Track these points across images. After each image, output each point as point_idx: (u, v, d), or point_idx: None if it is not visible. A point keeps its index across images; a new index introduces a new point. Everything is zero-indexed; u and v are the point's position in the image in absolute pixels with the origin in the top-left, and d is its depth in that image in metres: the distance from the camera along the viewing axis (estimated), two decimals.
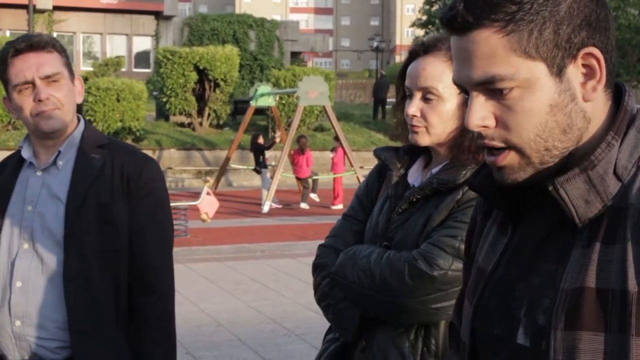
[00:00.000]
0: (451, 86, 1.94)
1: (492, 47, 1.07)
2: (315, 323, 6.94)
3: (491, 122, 1.10)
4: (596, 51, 1.08)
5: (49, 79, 2.18)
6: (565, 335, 1.05)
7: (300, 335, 6.61)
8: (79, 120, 2.32)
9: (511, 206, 1.20)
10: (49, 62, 2.18)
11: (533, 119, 1.08)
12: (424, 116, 1.96)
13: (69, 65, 2.26)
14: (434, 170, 2.01)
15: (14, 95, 2.20)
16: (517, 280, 1.15)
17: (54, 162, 2.25)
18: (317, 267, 2.13)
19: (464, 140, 1.95)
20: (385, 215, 2.04)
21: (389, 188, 2.08)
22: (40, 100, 2.16)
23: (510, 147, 1.10)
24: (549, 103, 1.08)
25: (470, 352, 1.24)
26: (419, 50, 2.00)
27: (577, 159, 1.10)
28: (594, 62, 1.09)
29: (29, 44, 2.18)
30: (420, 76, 1.96)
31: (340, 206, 16.78)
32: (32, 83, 2.17)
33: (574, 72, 1.09)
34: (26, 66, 2.16)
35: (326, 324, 2.15)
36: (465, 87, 1.13)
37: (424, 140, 1.97)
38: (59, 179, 2.23)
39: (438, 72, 1.95)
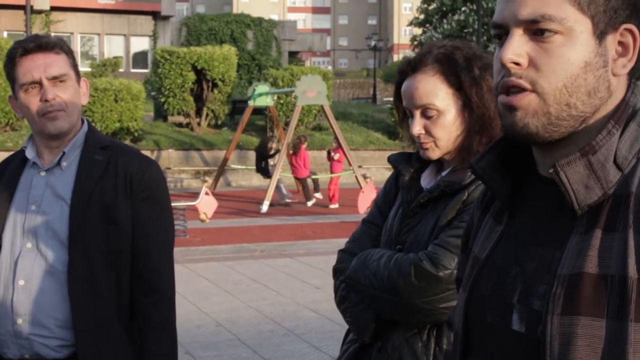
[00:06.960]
0: (447, 97, 1.98)
1: None
2: (315, 323, 6.95)
3: (524, 61, 1.10)
4: (636, 30, 1.11)
5: (56, 79, 2.21)
6: (563, 320, 1.04)
7: (300, 334, 6.61)
8: (82, 121, 2.34)
9: (509, 194, 1.21)
10: (57, 63, 2.21)
11: (567, 68, 1.09)
12: (428, 132, 1.99)
13: (75, 66, 2.29)
14: (444, 174, 2.05)
15: (20, 94, 2.23)
16: (511, 266, 1.15)
17: (58, 163, 2.27)
18: (336, 272, 2.18)
19: (472, 143, 1.99)
20: (398, 219, 2.08)
21: (402, 192, 2.11)
22: (46, 101, 2.19)
23: (534, 90, 1.10)
24: (584, 59, 1.09)
25: (463, 340, 1.23)
26: (407, 70, 2.03)
27: (577, 143, 1.11)
28: (630, 40, 1.11)
29: (38, 44, 2.21)
30: (414, 96, 1.99)
31: (337, 205, 16.78)
32: (39, 83, 2.20)
33: (611, 43, 1.11)
34: (34, 66, 2.19)
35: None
36: (506, 25, 1.12)
37: (434, 154, 2.02)
38: (63, 179, 2.25)
39: (430, 88, 1.98)
